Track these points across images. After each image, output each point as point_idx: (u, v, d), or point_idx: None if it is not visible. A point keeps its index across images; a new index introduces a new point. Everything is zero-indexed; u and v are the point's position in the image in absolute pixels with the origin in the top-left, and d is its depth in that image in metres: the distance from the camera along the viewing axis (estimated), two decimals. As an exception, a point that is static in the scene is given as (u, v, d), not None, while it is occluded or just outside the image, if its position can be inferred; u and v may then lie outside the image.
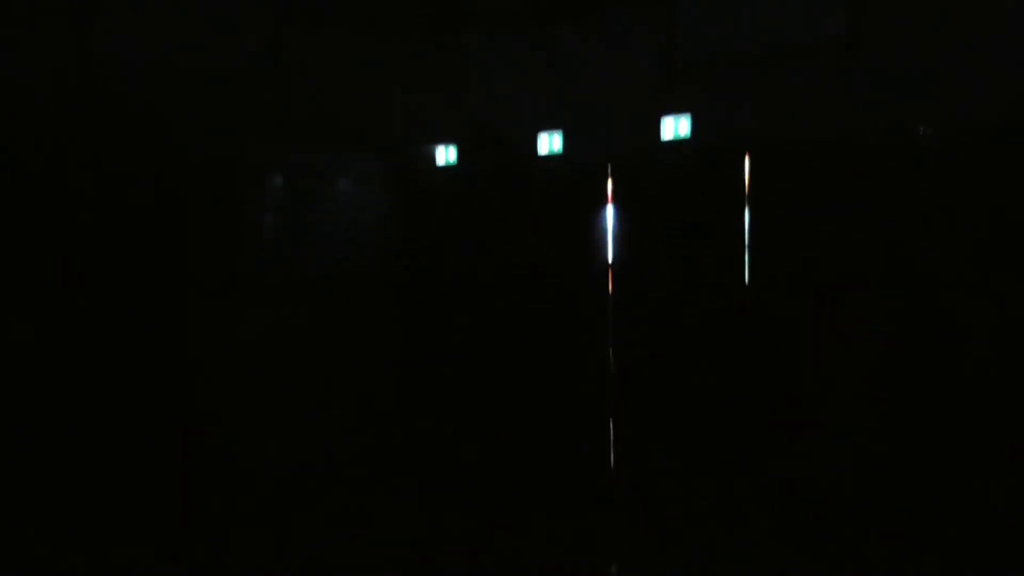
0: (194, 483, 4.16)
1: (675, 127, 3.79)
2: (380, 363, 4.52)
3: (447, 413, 4.36)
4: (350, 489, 4.40)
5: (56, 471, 4.05)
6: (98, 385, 4.14)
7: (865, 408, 3.54)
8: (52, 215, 4.12)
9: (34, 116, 4.13)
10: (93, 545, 3.80)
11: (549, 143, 4.05)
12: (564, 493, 3.97)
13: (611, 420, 3.89)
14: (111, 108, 4.27)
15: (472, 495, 4.16)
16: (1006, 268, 3.24)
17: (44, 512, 3.91)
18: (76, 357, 4.10)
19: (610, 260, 3.91)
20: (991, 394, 3.30)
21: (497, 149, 4.23)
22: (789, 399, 3.67)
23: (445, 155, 4.32)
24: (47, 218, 4.10)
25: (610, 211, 3.89)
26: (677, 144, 3.82)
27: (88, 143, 4.20)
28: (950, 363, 3.40)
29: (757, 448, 3.69)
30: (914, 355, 3.45)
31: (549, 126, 4.07)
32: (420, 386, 4.44)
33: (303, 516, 4.16)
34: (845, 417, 3.56)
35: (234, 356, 4.29)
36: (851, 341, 3.53)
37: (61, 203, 4.13)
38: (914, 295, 3.42)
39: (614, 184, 3.92)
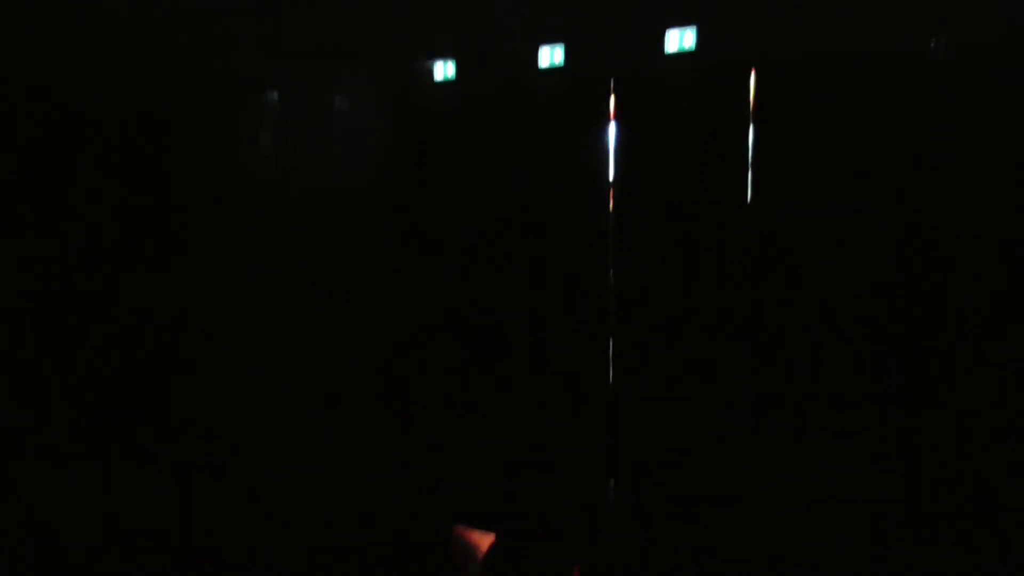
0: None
1: (680, 40, 3.69)
2: (377, 285, 4.52)
3: (446, 327, 4.38)
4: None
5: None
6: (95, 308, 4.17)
7: (865, 323, 3.60)
8: (36, 151, 4.04)
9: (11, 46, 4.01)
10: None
11: (550, 56, 3.94)
12: (564, 409, 4.05)
13: (610, 339, 3.94)
14: (90, 40, 4.14)
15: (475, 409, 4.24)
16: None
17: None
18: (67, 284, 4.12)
19: (611, 178, 3.88)
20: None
21: (496, 63, 4.13)
22: (790, 312, 3.72)
23: (444, 71, 4.20)
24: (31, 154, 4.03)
25: (612, 127, 3.84)
26: (681, 58, 3.74)
27: (67, 75, 4.09)
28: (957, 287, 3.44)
29: (754, 358, 3.76)
30: (918, 277, 3.49)
31: (550, 39, 3.96)
32: (418, 303, 4.45)
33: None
34: (844, 329, 3.62)
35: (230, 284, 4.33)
36: (853, 254, 3.56)
37: (45, 139, 4.05)
38: (923, 218, 3.43)
39: (616, 99, 3.85)
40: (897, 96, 3.38)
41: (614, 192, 3.89)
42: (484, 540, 3.35)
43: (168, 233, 4.36)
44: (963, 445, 3.54)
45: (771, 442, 3.89)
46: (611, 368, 3.91)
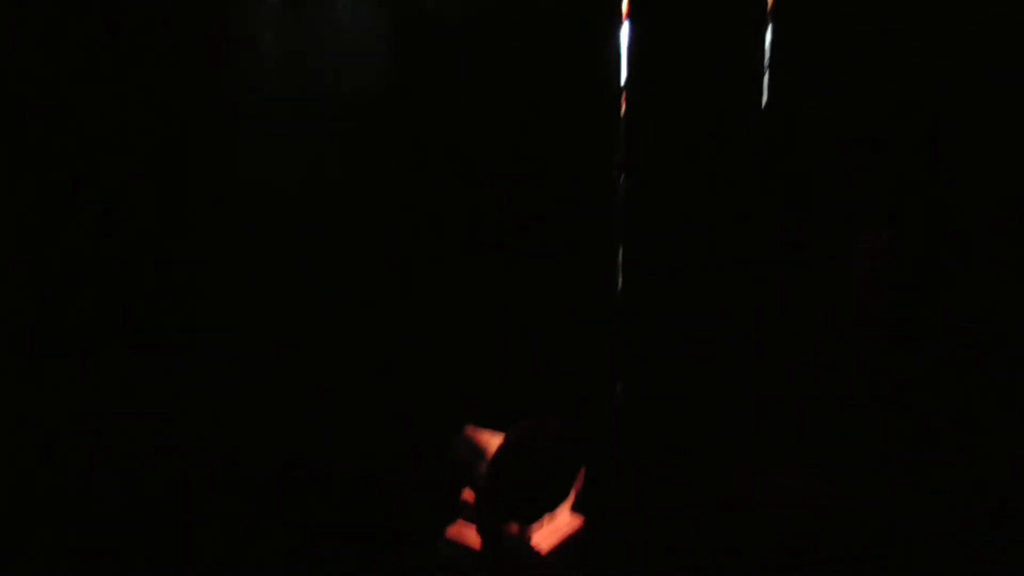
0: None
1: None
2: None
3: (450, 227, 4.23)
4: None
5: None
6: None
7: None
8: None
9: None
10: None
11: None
12: (569, 313, 3.97)
13: (620, 247, 3.87)
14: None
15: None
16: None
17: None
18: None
19: (623, 81, 3.82)
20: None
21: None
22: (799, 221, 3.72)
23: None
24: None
25: (625, 27, 3.78)
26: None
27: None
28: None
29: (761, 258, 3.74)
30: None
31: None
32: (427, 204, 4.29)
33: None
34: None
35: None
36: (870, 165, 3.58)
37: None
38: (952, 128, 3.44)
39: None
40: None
41: (625, 96, 3.84)
42: (493, 440, 3.21)
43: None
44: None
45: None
46: (620, 275, 3.85)
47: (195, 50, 4.15)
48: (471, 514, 3.12)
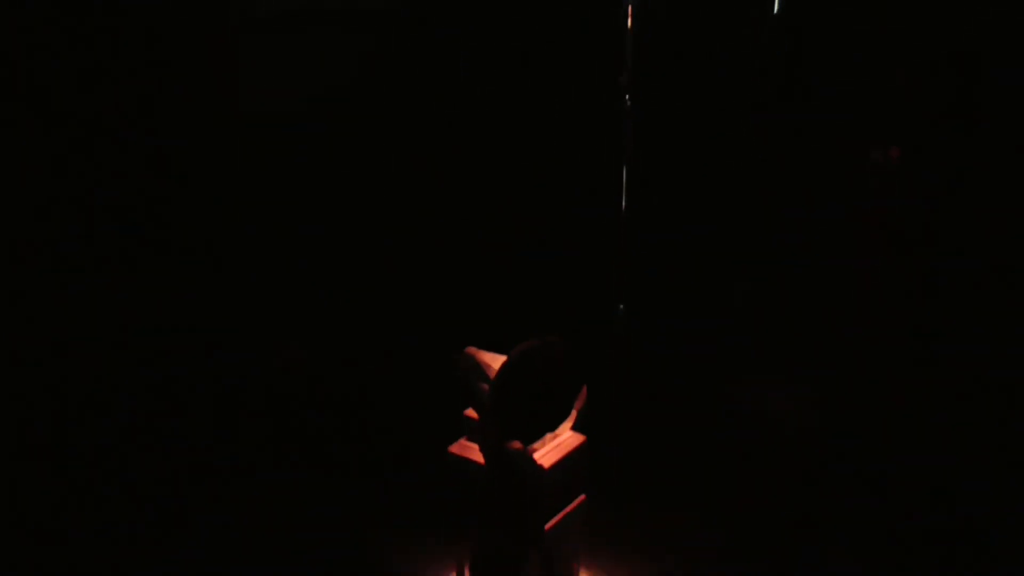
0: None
1: None
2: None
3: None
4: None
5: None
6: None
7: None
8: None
9: None
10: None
11: None
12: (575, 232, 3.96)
13: (624, 168, 3.81)
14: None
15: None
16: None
17: None
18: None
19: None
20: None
21: None
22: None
23: None
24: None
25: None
26: None
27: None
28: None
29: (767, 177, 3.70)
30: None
31: None
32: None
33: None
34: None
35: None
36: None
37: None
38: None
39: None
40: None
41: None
42: (496, 360, 3.25)
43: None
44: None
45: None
46: (623, 197, 3.82)
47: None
48: (474, 432, 3.18)
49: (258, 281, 4.78)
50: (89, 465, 3.84)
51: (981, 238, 3.54)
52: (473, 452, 3.13)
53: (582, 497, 3.29)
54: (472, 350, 3.22)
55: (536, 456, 3.04)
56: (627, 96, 3.66)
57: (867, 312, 3.88)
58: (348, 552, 3.73)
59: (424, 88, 4.60)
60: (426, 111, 4.71)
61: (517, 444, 2.98)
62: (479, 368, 3.15)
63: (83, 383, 4.02)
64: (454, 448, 3.19)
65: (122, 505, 3.85)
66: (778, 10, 3.73)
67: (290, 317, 4.81)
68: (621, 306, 3.77)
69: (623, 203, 3.81)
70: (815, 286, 4.45)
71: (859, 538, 3.80)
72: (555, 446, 3.13)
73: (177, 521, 3.89)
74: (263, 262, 4.77)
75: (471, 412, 3.18)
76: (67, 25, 3.84)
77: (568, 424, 3.15)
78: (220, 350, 4.62)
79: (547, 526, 3.08)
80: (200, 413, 4.45)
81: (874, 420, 4.00)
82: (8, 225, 3.91)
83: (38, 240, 4.00)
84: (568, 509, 3.20)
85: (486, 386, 3.07)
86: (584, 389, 3.17)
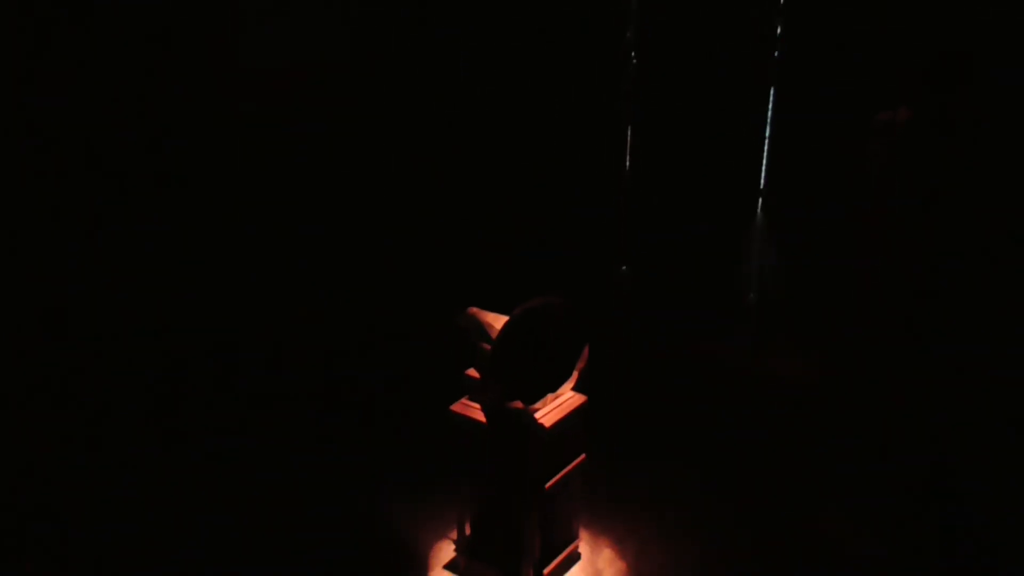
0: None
1: None
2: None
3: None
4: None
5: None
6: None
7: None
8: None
9: None
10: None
11: None
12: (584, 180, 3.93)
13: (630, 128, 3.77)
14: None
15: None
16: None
17: None
18: None
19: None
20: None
21: None
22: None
23: None
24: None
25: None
26: None
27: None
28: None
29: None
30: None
31: None
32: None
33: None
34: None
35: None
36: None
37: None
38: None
39: None
40: None
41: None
42: (498, 320, 3.24)
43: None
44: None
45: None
46: (627, 157, 3.79)
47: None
48: (476, 392, 3.19)
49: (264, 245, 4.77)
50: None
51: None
52: (475, 411, 3.15)
53: (582, 456, 3.31)
54: (474, 310, 3.21)
55: (537, 416, 3.05)
56: (633, 54, 3.62)
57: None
58: (351, 510, 3.78)
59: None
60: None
61: (518, 404, 2.99)
62: (481, 328, 3.15)
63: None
64: (456, 407, 3.21)
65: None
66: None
67: (298, 278, 4.82)
68: (624, 267, 3.76)
69: (626, 164, 3.78)
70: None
71: (854, 499, 3.83)
72: (556, 406, 3.14)
73: (187, 479, 3.93)
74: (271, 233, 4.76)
75: (473, 372, 3.19)
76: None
77: (569, 384, 3.16)
78: (223, 315, 4.63)
79: (547, 485, 3.11)
80: (204, 373, 4.47)
81: (874, 387, 4.02)
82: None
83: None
84: (568, 468, 3.23)
85: (488, 346, 3.07)
86: (586, 350, 3.16)
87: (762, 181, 3.68)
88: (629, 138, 3.66)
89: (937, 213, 3.35)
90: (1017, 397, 3.56)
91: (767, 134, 3.63)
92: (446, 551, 3.47)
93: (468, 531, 3.35)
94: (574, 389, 3.22)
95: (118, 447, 3.78)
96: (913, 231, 3.40)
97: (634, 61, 3.39)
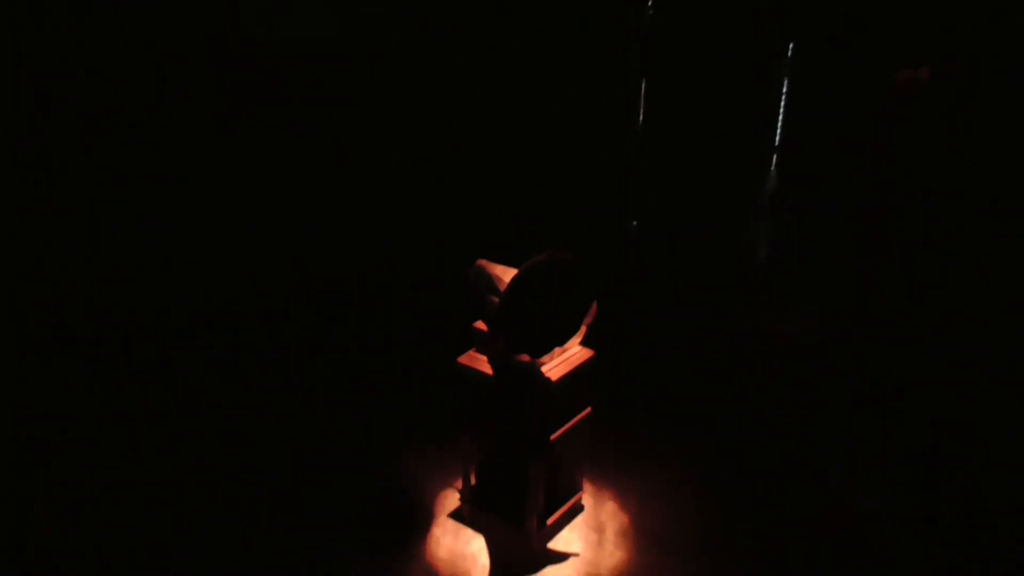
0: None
1: None
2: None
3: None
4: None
5: None
6: None
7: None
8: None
9: None
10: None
11: None
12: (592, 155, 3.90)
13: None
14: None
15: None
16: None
17: None
18: None
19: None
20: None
21: None
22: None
23: None
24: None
25: None
26: None
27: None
28: None
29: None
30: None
31: None
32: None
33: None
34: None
35: None
36: None
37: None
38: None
39: None
40: None
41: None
42: (507, 273, 3.24)
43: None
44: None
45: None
46: (640, 113, 3.74)
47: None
48: (484, 344, 3.20)
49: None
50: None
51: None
52: (482, 364, 3.16)
53: (588, 410, 3.33)
54: (483, 263, 3.20)
55: (544, 369, 3.06)
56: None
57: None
58: (358, 459, 3.82)
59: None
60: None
61: (525, 357, 3.00)
62: (490, 281, 3.14)
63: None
64: (463, 359, 3.22)
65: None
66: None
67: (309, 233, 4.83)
68: (635, 222, 3.74)
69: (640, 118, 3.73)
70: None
71: (858, 453, 3.86)
72: (563, 360, 3.15)
73: (199, 426, 3.97)
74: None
75: (481, 324, 3.19)
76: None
77: (577, 339, 3.17)
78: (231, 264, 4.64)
79: (552, 437, 3.13)
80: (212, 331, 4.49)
81: (881, 340, 4.01)
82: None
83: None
84: (574, 422, 3.25)
85: (496, 298, 3.07)
86: (594, 304, 3.16)
87: (776, 139, 3.64)
88: (642, 91, 3.61)
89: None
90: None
91: (783, 92, 3.58)
92: (451, 500, 3.52)
93: (473, 481, 3.39)
94: (582, 344, 3.22)
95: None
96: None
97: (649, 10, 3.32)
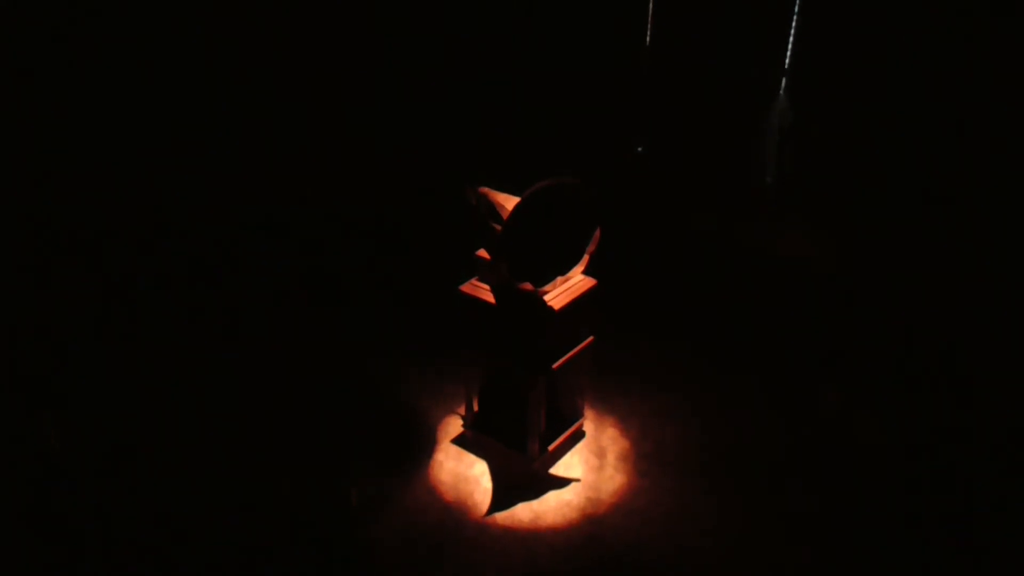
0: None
1: None
2: None
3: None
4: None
5: None
6: None
7: None
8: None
9: None
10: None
11: None
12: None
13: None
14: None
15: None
16: None
17: None
18: None
19: None
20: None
21: None
22: None
23: None
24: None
25: None
26: None
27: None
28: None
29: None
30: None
31: None
32: None
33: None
34: None
35: None
36: None
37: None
38: None
39: None
40: None
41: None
42: (509, 201, 3.18)
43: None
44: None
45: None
46: (648, 31, 3.62)
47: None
48: (486, 273, 3.17)
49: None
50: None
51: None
52: (484, 292, 3.14)
53: (590, 339, 3.33)
54: (485, 190, 3.15)
55: (546, 298, 3.05)
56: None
57: None
58: (361, 386, 3.85)
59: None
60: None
61: (527, 285, 2.98)
62: (492, 208, 3.10)
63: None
64: (465, 288, 3.20)
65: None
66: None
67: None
68: (640, 148, 3.67)
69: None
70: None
71: (859, 375, 3.87)
72: (565, 289, 3.13)
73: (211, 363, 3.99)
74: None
75: (483, 253, 3.16)
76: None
77: (580, 268, 3.14)
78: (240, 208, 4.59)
79: (555, 366, 3.14)
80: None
81: (891, 267, 3.97)
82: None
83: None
84: (576, 350, 3.25)
85: (498, 226, 3.03)
86: (597, 232, 3.12)
87: (786, 60, 3.53)
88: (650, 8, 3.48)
89: None
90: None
91: (795, 10, 3.45)
92: (454, 426, 3.56)
93: (476, 407, 3.42)
94: (584, 272, 3.20)
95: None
96: None
97: None
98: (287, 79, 4.65)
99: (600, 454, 3.46)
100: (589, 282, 3.22)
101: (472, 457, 3.41)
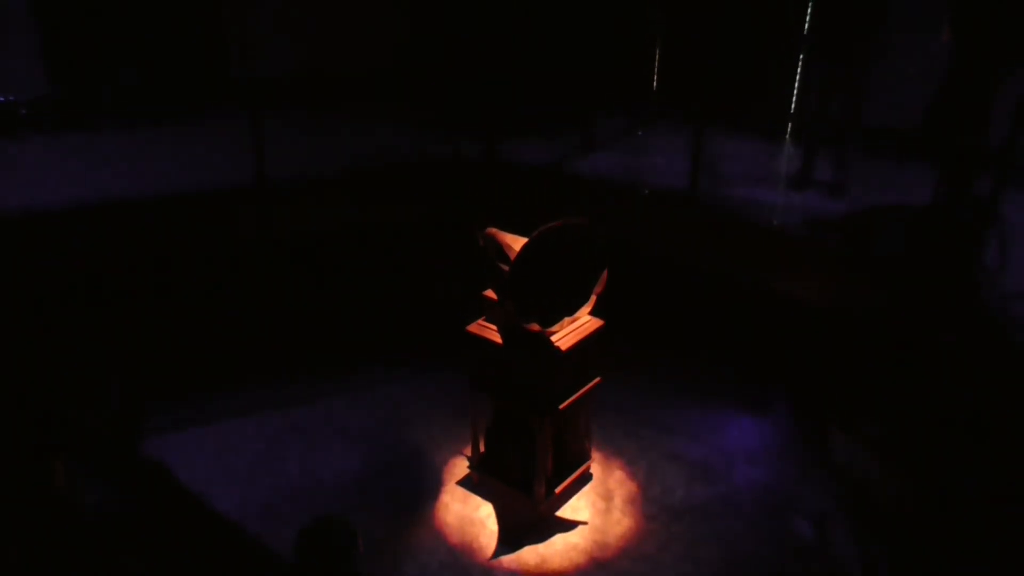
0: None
1: None
2: None
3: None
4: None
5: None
6: None
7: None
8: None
9: None
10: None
11: None
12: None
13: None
14: None
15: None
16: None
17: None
18: None
19: None
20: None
21: None
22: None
23: None
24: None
25: None
26: None
27: None
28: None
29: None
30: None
31: None
32: None
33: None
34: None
35: None
36: None
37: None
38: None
39: None
40: None
41: None
42: (517, 242, 3.21)
43: None
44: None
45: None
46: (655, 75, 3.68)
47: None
48: (493, 313, 3.18)
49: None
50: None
51: None
52: (491, 332, 3.15)
53: (597, 380, 3.32)
54: (493, 231, 3.18)
55: (553, 339, 3.05)
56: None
57: None
58: (367, 426, 3.84)
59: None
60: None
61: (535, 326, 2.99)
62: (500, 248, 3.12)
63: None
64: (473, 328, 3.21)
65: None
66: None
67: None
68: (647, 191, 3.70)
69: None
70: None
71: (869, 421, 3.82)
72: (573, 329, 3.14)
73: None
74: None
75: (491, 293, 3.18)
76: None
77: (587, 308, 3.15)
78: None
79: (562, 406, 3.13)
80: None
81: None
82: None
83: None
84: (583, 391, 3.25)
85: (506, 267, 3.05)
86: (605, 273, 3.14)
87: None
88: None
89: None
90: None
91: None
92: (460, 467, 3.54)
93: (482, 449, 3.40)
94: (591, 314, 3.21)
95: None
96: None
97: None
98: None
99: (607, 497, 3.43)
100: (596, 323, 3.22)
101: (478, 499, 3.39)
